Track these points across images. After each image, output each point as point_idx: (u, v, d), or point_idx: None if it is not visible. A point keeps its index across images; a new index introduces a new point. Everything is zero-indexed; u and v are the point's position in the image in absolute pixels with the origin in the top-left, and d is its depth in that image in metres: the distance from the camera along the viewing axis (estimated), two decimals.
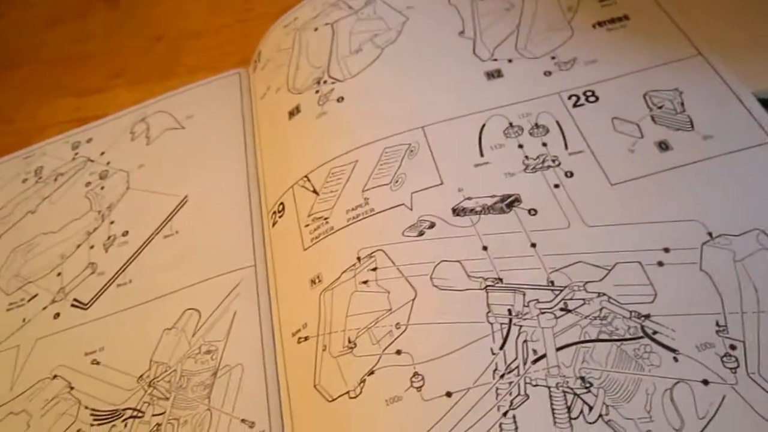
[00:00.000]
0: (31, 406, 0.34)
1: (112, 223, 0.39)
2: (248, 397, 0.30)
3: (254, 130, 0.40)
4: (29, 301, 0.38)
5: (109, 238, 0.39)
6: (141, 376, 0.33)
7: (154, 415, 0.31)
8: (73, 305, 0.37)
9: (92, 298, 0.37)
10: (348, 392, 0.27)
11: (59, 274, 0.38)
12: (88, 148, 0.44)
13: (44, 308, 0.37)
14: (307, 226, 0.32)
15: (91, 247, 0.39)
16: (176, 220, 0.38)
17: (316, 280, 0.30)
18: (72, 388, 0.33)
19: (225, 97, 0.43)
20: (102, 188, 0.41)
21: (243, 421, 0.29)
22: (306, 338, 0.29)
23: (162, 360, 0.33)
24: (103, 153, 0.43)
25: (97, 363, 0.34)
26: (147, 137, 0.43)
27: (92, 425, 0.32)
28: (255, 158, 0.39)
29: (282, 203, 0.34)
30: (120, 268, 0.37)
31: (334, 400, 0.27)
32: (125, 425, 0.31)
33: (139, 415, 0.32)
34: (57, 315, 0.36)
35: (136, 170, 0.41)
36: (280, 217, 0.34)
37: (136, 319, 0.35)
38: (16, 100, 0.51)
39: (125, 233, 0.38)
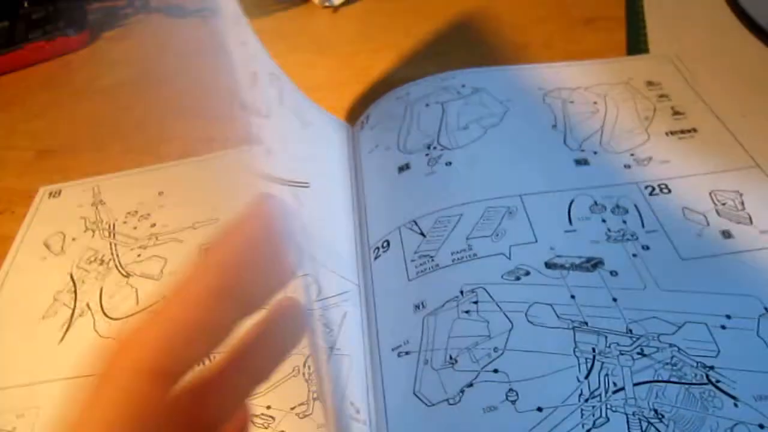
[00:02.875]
0: None
1: None
2: (354, 386, 0.33)
3: (358, 177, 0.46)
4: None
5: None
6: None
7: None
8: None
9: None
10: (447, 399, 0.31)
11: None
12: None
13: None
14: (413, 261, 0.37)
15: None
16: (300, 194, 0.37)
17: (420, 306, 0.35)
18: None
19: (336, 138, 0.47)
20: None
21: (351, 404, 0.33)
22: (407, 353, 0.34)
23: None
24: None
25: None
26: (280, 98, 0.41)
27: None
28: (359, 201, 0.44)
29: (387, 241, 0.40)
30: None
31: (433, 405, 0.31)
32: None
33: None
34: None
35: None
36: (383, 251, 0.39)
37: None
38: None
39: None
